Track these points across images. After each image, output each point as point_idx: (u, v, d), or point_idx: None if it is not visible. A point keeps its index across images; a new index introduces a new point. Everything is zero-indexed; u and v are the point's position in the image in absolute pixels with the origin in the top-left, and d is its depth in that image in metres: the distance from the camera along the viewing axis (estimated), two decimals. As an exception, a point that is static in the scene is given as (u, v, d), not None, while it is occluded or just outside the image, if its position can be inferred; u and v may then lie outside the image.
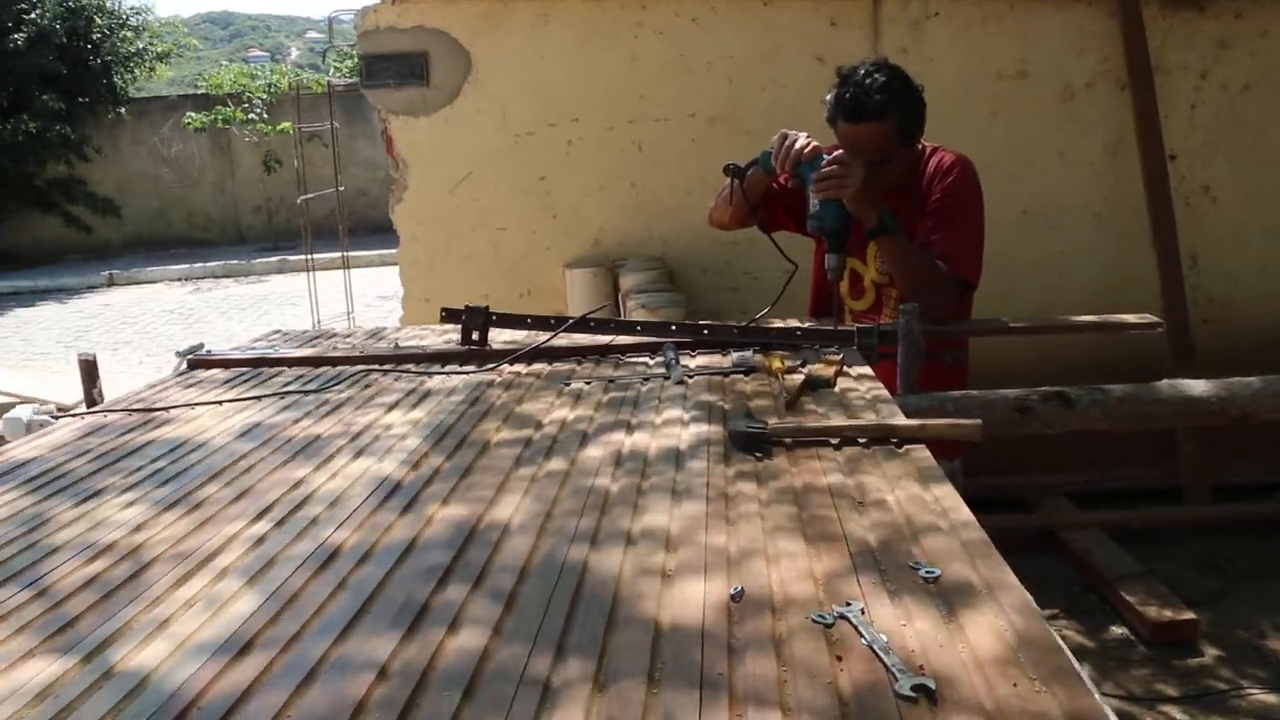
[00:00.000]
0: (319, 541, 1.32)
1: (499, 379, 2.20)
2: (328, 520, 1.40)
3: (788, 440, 1.54)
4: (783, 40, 4.41)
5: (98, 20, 15.24)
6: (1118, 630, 3.39)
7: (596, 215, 4.56)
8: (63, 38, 14.59)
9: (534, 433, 1.76)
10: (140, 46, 15.92)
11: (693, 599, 1.08)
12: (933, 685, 0.89)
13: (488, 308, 2.41)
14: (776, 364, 2.02)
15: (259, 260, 14.46)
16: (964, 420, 1.65)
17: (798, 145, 2.34)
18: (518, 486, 1.49)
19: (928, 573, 1.12)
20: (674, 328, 2.35)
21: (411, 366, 2.33)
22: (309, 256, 7.08)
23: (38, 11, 14.38)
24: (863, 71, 2.43)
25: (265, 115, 14.85)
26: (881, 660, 0.94)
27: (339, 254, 7.13)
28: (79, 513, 1.50)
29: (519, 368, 2.28)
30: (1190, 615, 3.31)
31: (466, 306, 2.41)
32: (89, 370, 2.25)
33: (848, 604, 1.05)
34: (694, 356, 2.26)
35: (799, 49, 4.41)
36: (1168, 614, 3.30)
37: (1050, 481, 4.16)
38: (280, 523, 1.41)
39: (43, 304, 12.71)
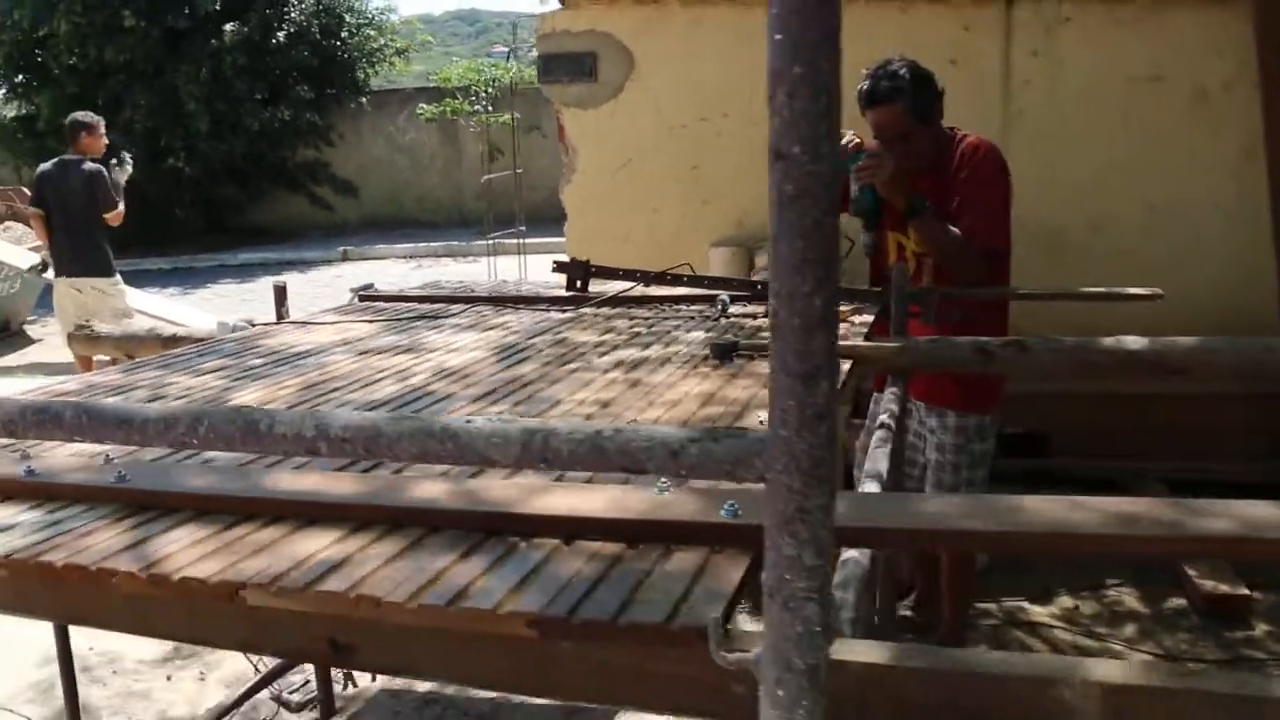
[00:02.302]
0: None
1: (586, 316, 2.75)
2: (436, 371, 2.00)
3: (752, 354, 2.02)
4: (917, 43, 4.69)
5: (347, 19, 16.86)
6: (1177, 601, 3.60)
7: (740, 201, 5.03)
8: (316, 35, 16.25)
9: (575, 347, 2.31)
10: (382, 43, 17.50)
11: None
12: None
13: (588, 261, 2.95)
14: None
15: (477, 242, 15.64)
16: (884, 343, 2.07)
17: (843, 142, 2.77)
18: (553, 374, 2.03)
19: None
20: (734, 282, 2.83)
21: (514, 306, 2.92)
22: (488, 236, 7.94)
23: (296, 11, 16.09)
24: (876, 66, 2.83)
25: (490, 108, 16.01)
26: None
27: (529, 236, 7.92)
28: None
29: (605, 309, 2.83)
30: (1245, 591, 3.48)
31: (572, 259, 2.97)
32: (280, 293, 2.96)
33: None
34: (745, 306, 2.74)
35: (933, 52, 4.67)
36: (1223, 588, 3.49)
37: (1147, 467, 4.33)
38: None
39: (286, 273, 14.23)
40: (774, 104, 0.76)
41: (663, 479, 1.28)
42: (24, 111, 16.42)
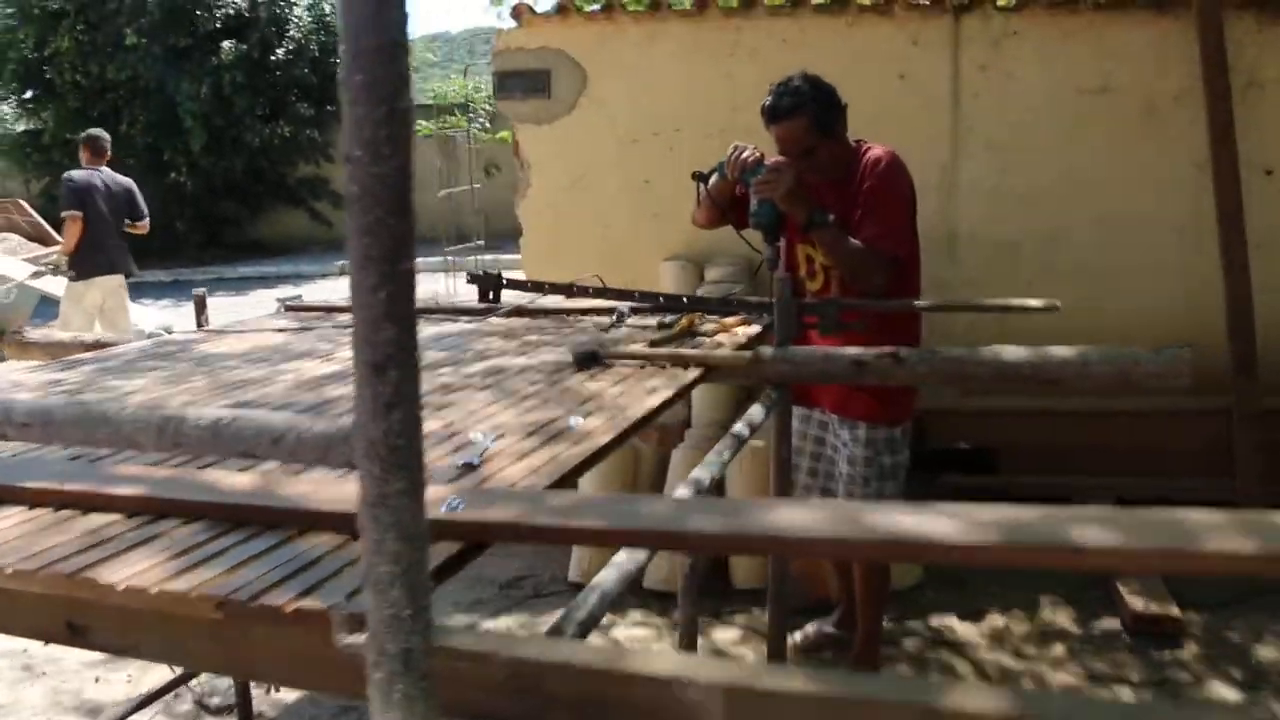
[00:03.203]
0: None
1: (491, 327, 2.76)
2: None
3: (609, 361, 2.02)
4: (865, 58, 4.75)
5: (347, 36, 17.03)
6: (1109, 621, 3.56)
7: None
8: (315, 52, 16.41)
9: (462, 354, 2.32)
10: (382, 60, 17.64)
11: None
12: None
13: (499, 273, 2.96)
14: (685, 322, 2.47)
15: (472, 257, 15.70)
16: (732, 353, 2.07)
17: (744, 155, 2.78)
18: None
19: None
20: (636, 294, 2.83)
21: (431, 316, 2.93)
22: (446, 250, 8.05)
23: (296, 29, 16.24)
24: (779, 82, 2.83)
25: (488, 125, 16.09)
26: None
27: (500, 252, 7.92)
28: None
29: (514, 321, 2.83)
30: (1175, 612, 3.45)
31: (484, 272, 2.98)
32: (200, 302, 2.98)
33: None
34: (645, 318, 2.73)
35: (881, 67, 4.75)
36: (1153, 608, 3.45)
37: (1099, 485, 4.30)
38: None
39: (281, 286, 14.34)
40: (341, 111, 0.76)
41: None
42: (31, 126, 16.62)
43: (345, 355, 2.45)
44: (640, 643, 3.46)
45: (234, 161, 16.04)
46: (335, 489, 1.30)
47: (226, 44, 15.44)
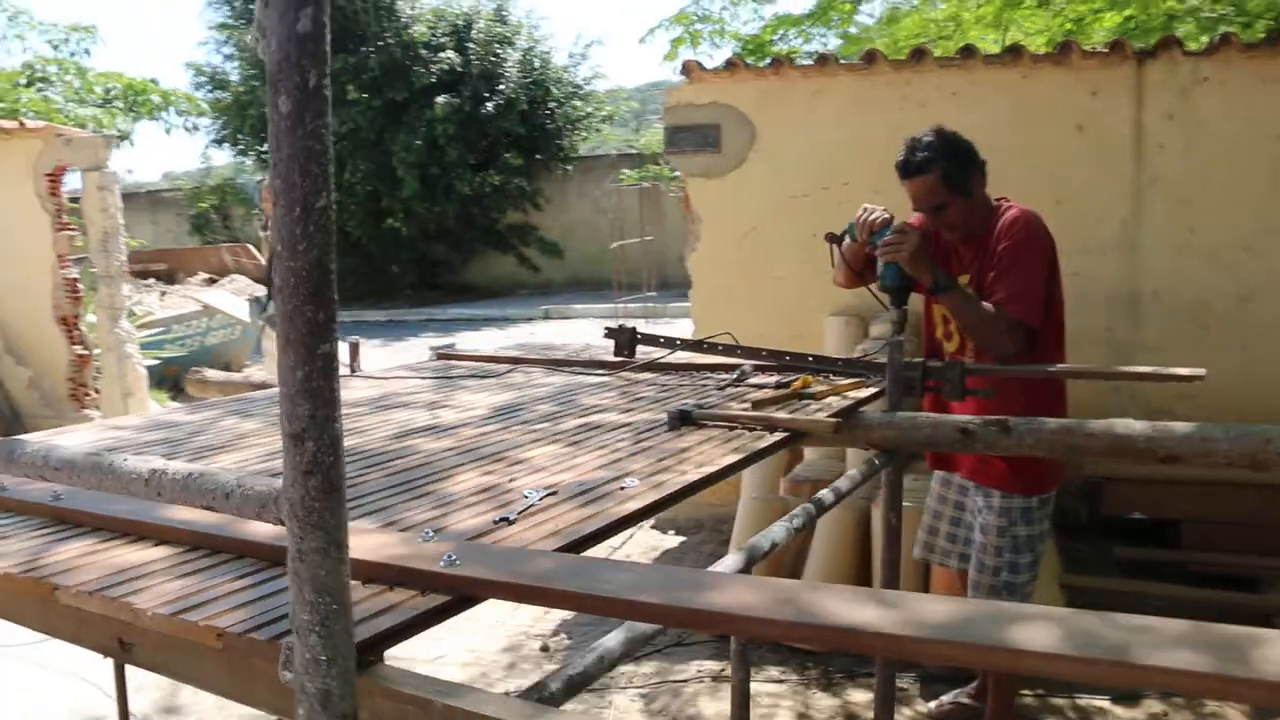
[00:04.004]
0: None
1: (620, 380, 2.85)
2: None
3: (704, 421, 2.06)
4: (1040, 110, 4.61)
5: (554, 90, 17.79)
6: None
7: (860, 269, 4.99)
8: (525, 104, 17.22)
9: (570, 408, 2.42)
10: (587, 111, 18.34)
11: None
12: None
13: (634, 328, 3.05)
14: (798, 383, 2.47)
15: (674, 304, 16.00)
16: (820, 418, 2.05)
17: (871, 217, 2.75)
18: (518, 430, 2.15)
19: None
20: (764, 353, 2.85)
21: (567, 368, 3.05)
22: (616, 301, 8.19)
23: (507, 83, 17.13)
24: (914, 136, 2.79)
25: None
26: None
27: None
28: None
29: (644, 375, 2.92)
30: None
31: (620, 325, 3.08)
32: (354, 348, 3.22)
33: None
34: (772, 375, 2.75)
35: (1057, 118, 4.59)
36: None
37: (1290, 565, 3.95)
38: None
39: (486, 329, 15.03)
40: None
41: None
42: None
43: (476, 401, 2.60)
44: (770, 698, 3.44)
45: (446, 208, 17.00)
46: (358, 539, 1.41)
47: (441, 98, 16.41)
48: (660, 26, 9.77)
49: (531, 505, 1.60)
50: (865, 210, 2.79)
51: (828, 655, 3.67)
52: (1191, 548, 4.17)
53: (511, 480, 1.79)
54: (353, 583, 1.29)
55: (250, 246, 12.26)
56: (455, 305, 17.22)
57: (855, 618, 1.21)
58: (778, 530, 1.69)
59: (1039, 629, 1.21)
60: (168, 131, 12.73)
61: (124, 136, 11.43)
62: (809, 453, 4.47)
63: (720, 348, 2.91)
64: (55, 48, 11.96)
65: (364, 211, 16.95)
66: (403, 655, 1.40)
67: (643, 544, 5.45)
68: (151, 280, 11.09)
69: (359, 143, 16.57)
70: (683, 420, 2.11)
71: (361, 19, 16.24)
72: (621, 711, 3.44)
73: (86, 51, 12.31)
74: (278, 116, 0.85)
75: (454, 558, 1.24)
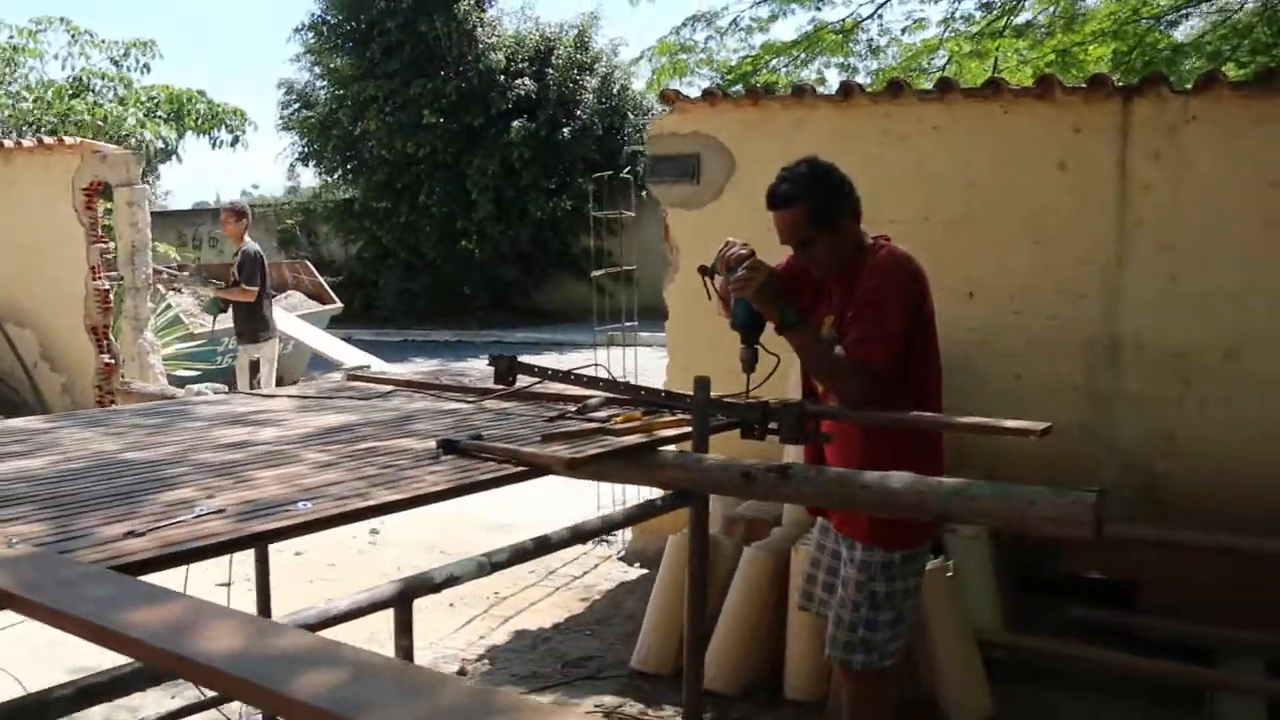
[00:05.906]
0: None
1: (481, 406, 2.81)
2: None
3: (471, 450, 2.01)
4: (1022, 146, 4.42)
5: (631, 116, 17.87)
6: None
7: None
8: (600, 131, 17.35)
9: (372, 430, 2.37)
10: (663, 139, 18.42)
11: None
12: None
13: (514, 357, 3.00)
14: (620, 418, 2.38)
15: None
16: (559, 454, 1.96)
17: (730, 252, 2.65)
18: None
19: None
20: (622, 386, 2.77)
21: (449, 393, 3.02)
22: (595, 328, 8.14)
23: (582, 110, 17.30)
24: (786, 166, 2.66)
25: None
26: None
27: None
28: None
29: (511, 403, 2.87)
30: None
31: (500, 355, 3.03)
32: (253, 367, 3.24)
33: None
34: (623, 409, 2.67)
35: (1039, 155, 4.39)
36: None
37: (1250, 641, 3.65)
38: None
39: (547, 353, 15.11)
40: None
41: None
42: (347, 196, 18.75)
43: (319, 422, 2.58)
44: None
45: (519, 231, 17.20)
46: None
47: (517, 123, 16.64)
48: (644, 57, 9.77)
49: (200, 515, 1.61)
50: (727, 244, 2.70)
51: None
52: (1150, 611, 3.90)
53: (210, 497, 1.77)
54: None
55: (309, 263, 12.57)
56: (524, 328, 17.38)
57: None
58: (465, 564, 1.61)
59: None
60: (215, 146, 12.78)
61: (170, 151, 11.72)
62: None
63: (585, 380, 2.83)
64: (116, 64, 12.27)
65: (439, 233, 17.26)
66: None
67: (607, 575, 5.39)
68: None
69: (435, 165, 16.91)
70: (447, 449, 2.05)
71: (441, 45, 16.60)
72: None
73: (146, 67, 12.57)
74: None
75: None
